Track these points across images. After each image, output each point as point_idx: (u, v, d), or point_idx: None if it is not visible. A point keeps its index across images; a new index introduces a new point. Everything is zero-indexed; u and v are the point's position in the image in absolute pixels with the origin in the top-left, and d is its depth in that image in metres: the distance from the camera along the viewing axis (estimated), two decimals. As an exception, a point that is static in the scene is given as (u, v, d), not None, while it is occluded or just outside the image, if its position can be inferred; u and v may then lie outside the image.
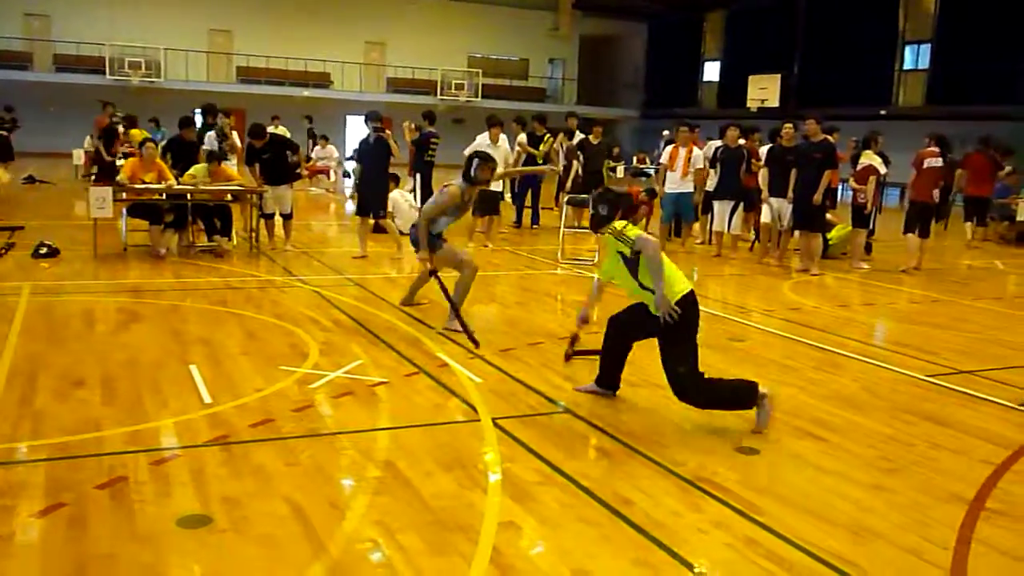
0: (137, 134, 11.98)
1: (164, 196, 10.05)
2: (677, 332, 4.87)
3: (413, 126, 14.30)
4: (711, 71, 38.61)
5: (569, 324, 7.52)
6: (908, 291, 10.00)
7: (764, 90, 31.19)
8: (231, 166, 11.64)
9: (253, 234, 10.86)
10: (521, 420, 4.90)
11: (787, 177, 10.90)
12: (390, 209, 11.77)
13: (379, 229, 11.45)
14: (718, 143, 12.40)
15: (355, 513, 3.64)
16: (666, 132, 12.46)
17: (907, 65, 30.31)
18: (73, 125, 24.96)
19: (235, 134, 13.38)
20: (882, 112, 28.11)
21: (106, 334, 6.55)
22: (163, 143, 12.31)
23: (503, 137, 12.87)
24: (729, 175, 11.80)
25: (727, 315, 8.09)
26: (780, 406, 5.26)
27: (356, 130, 29.82)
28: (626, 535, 3.53)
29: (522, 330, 7.15)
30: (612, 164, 21.84)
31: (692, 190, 12.14)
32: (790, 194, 10.87)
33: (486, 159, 7.06)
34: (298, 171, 12.07)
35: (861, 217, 11.69)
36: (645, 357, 6.54)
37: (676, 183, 11.95)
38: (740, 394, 4.90)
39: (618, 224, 5.01)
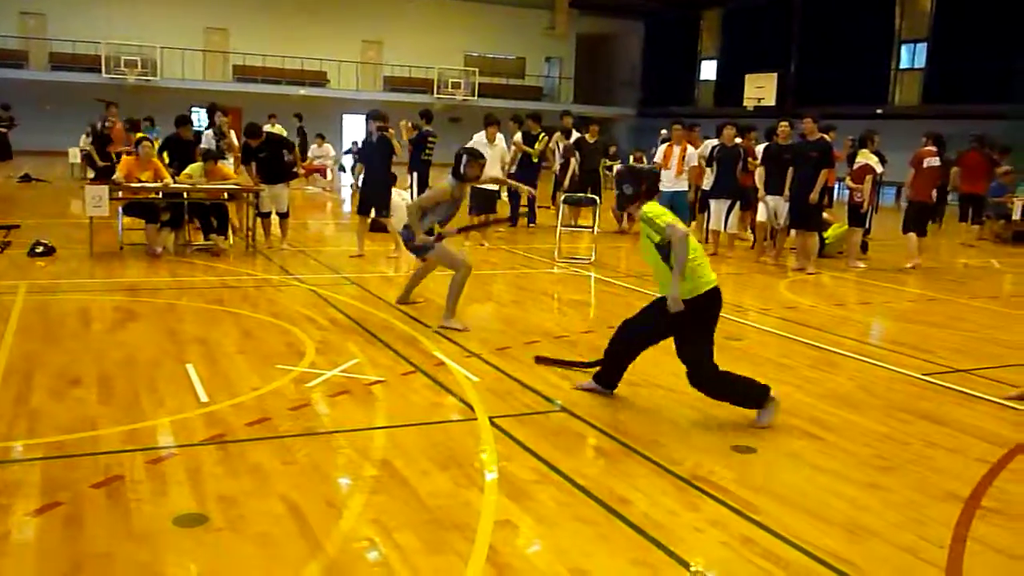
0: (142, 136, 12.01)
1: (160, 195, 10.03)
2: (696, 323, 4.89)
3: (410, 125, 14.29)
4: (708, 70, 38.65)
5: (566, 323, 7.53)
6: (904, 290, 10.01)
7: (761, 89, 31.23)
8: (228, 165, 11.63)
9: (250, 233, 10.85)
10: (518, 419, 4.90)
11: (783, 175, 10.91)
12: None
13: (377, 228, 11.44)
14: (714, 142, 12.41)
15: (352, 512, 3.64)
16: (664, 131, 12.48)
17: (903, 64, 30.37)
18: (69, 123, 24.94)
19: (232, 133, 13.37)
20: (878, 111, 28.16)
21: (102, 333, 6.55)
22: (159, 142, 12.30)
23: (500, 136, 12.87)
24: (725, 174, 11.81)
25: (724, 314, 8.04)
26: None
27: (352, 129, 29.86)
28: (623, 534, 3.54)
29: (519, 329, 7.15)
30: (609, 163, 21.84)
31: (687, 188, 12.17)
32: (786, 192, 10.88)
33: (475, 155, 7.08)
34: (295, 170, 12.05)
35: (857, 216, 11.70)
36: (641, 357, 6.55)
37: (671, 181, 11.99)
38: (751, 392, 4.92)
39: (648, 209, 4.93)
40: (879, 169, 12.27)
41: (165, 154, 11.14)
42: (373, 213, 10.97)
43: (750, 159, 11.98)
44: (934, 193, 11.53)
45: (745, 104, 31.21)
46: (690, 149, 12.14)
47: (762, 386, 4.93)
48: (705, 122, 14.92)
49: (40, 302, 7.43)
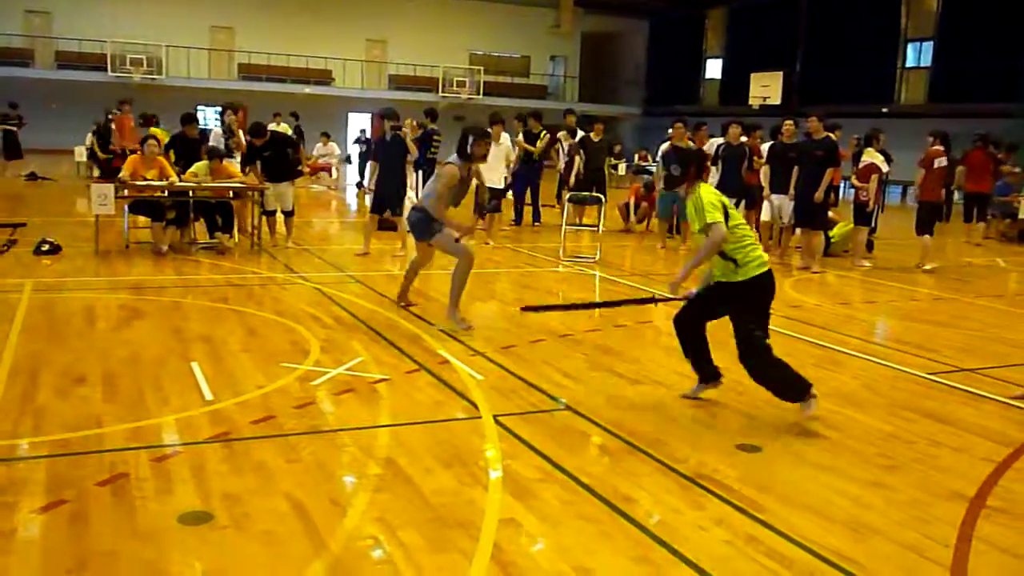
0: (161, 134, 11.96)
1: (166, 193, 10.05)
2: (748, 305, 4.93)
3: (415, 123, 14.29)
4: (713, 68, 38.59)
5: (570, 321, 7.53)
6: (909, 289, 9.99)
7: (766, 87, 31.19)
8: (234, 164, 11.64)
9: (255, 231, 10.87)
10: (522, 417, 4.90)
11: (788, 174, 10.91)
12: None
13: (384, 227, 11.44)
14: (720, 140, 12.40)
15: (356, 510, 3.64)
16: (670, 130, 12.47)
17: (909, 63, 30.30)
18: (75, 122, 24.97)
19: (241, 132, 13.38)
20: (884, 110, 28.11)
21: (108, 331, 6.56)
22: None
23: (504, 135, 12.87)
24: (730, 173, 11.79)
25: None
26: (780, 403, 5.27)
27: (358, 127, 29.84)
28: (627, 532, 3.54)
29: (523, 327, 7.15)
30: (614, 162, 21.84)
31: None
32: (791, 191, 10.88)
33: (481, 134, 7.04)
34: (299, 168, 12.06)
35: (863, 215, 11.67)
36: (646, 355, 6.56)
37: None
38: (794, 385, 4.90)
39: (705, 195, 4.89)
40: (885, 168, 12.23)
41: (172, 153, 11.16)
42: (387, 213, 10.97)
43: (755, 158, 11.97)
44: (943, 193, 11.50)
45: (750, 103, 31.18)
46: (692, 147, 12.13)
47: (806, 382, 4.93)
48: (710, 121, 14.87)
49: (46, 300, 7.45)
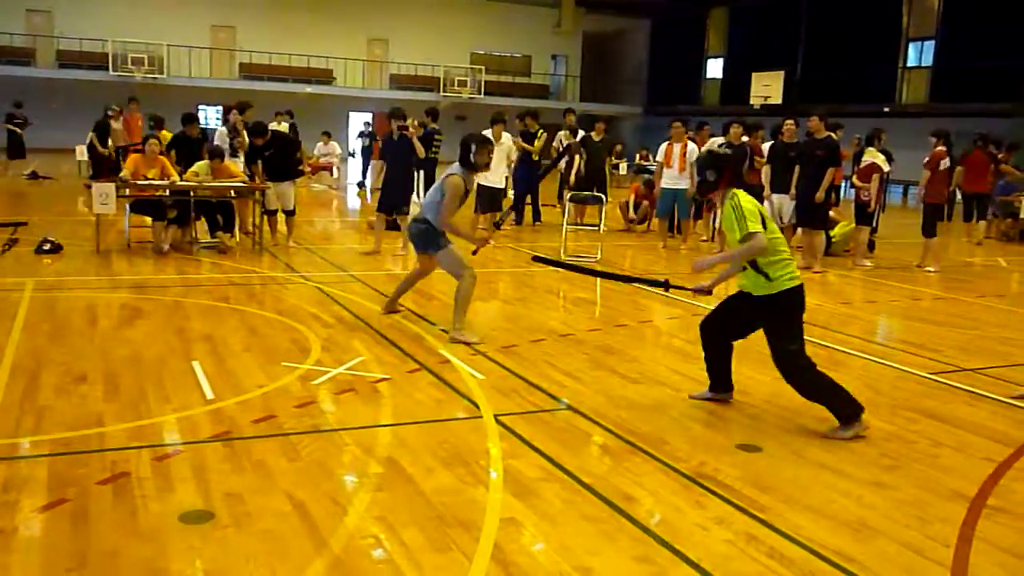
0: (168, 136, 11.99)
1: (168, 192, 10.06)
2: (781, 318, 4.86)
3: (416, 123, 14.28)
4: (714, 68, 38.58)
5: (572, 321, 7.53)
6: (911, 288, 9.99)
7: (767, 87, 31.15)
8: (239, 163, 11.64)
9: (256, 231, 10.87)
10: (523, 416, 4.90)
11: (789, 173, 10.91)
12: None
13: (388, 226, 11.43)
14: (720, 140, 12.39)
15: (357, 509, 3.64)
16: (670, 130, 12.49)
17: (910, 62, 30.28)
18: (76, 121, 24.96)
19: (246, 132, 13.35)
20: (885, 109, 28.10)
21: (109, 330, 6.56)
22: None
23: (506, 135, 12.87)
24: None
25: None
26: (782, 403, 5.28)
27: (359, 127, 29.84)
28: (628, 532, 3.54)
29: (524, 327, 7.15)
30: (615, 161, 21.83)
31: (688, 185, 12.15)
32: (792, 190, 10.88)
33: (484, 142, 6.78)
34: (300, 167, 12.06)
35: (864, 214, 11.67)
36: (647, 355, 6.57)
37: (673, 179, 12.06)
38: (844, 403, 4.80)
39: (745, 202, 4.79)
40: (886, 167, 12.24)
41: (173, 152, 11.16)
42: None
43: (757, 157, 11.96)
44: (947, 193, 11.51)
45: (751, 102, 31.15)
46: (691, 146, 12.14)
47: (858, 405, 4.80)
48: (712, 120, 14.89)
49: (47, 299, 7.45)
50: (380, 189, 10.87)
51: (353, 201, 19.37)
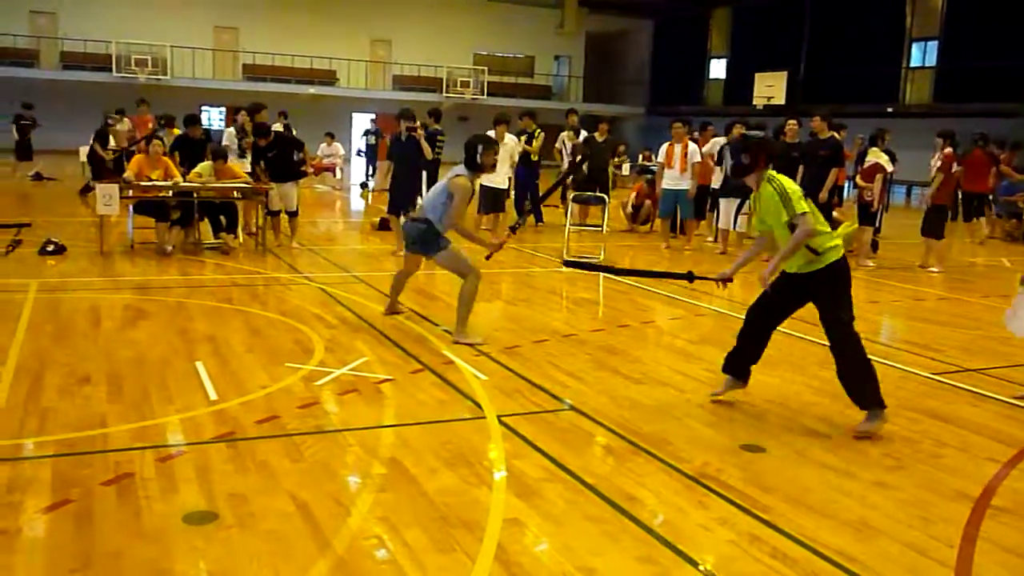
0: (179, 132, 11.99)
1: (171, 194, 10.07)
2: (835, 290, 4.91)
3: (419, 124, 14.27)
4: (717, 68, 38.56)
5: (575, 321, 7.53)
6: (914, 289, 9.98)
7: (770, 87, 31.13)
8: (247, 164, 11.64)
9: (259, 231, 10.88)
10: (526, 417, 4.91)
11: (790, 173, 10.87)
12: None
13: (383, 226, 11.45)
14: (723, 140, 12.39)
15: (360, 510, 3.64)
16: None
17: (914, 62, 30.24)
18: (80, 123, 25.00)
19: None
20: (889, 109, 28.06)
21: (112, 331, 6.57)
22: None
23: (509, 135, 12.87)
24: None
25: (732, 312, 8.09)
26: (785, 403, 5.28)
27: (362, 128, 29.87)
28: (631, 532, 3.54)
29: (527, 327, 7.15)
30: (618, 162, 21.81)
31: (689, 186, 12.15)
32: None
33: (490, 143, 6.74)
34: (303, 168, 12.06)
35: (867, 215, 11.66)
36: (649, 355, 6.57)
37: (675, 179, 12.06)
38: (873, 388, 4.83)
39: (789, 185, 4.83)
40: (889, 168, 12.22)
41: (176, 153, 11.17)
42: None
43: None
44: (955, 194, 11.55)
45: (754, 103, 31.12)
46: (692, 146, 12.14)
47: (882, 399, 4.84)
48: (715, 121, 14.89)
49: (51, 300, 7.47)
50: (388, 190, 10.87)
51: (356, 202, 19.38)
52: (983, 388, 5.87)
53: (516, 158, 13.25)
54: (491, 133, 12.47)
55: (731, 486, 4.02)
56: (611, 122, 16.00)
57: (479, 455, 4.30)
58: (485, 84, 36.97)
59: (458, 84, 36.48)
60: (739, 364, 5.27)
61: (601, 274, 10.05)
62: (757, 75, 31.93)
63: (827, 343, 4.99)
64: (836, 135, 11.05)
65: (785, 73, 30.98)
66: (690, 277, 5.56)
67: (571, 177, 12.29)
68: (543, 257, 11.27)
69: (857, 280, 10.37)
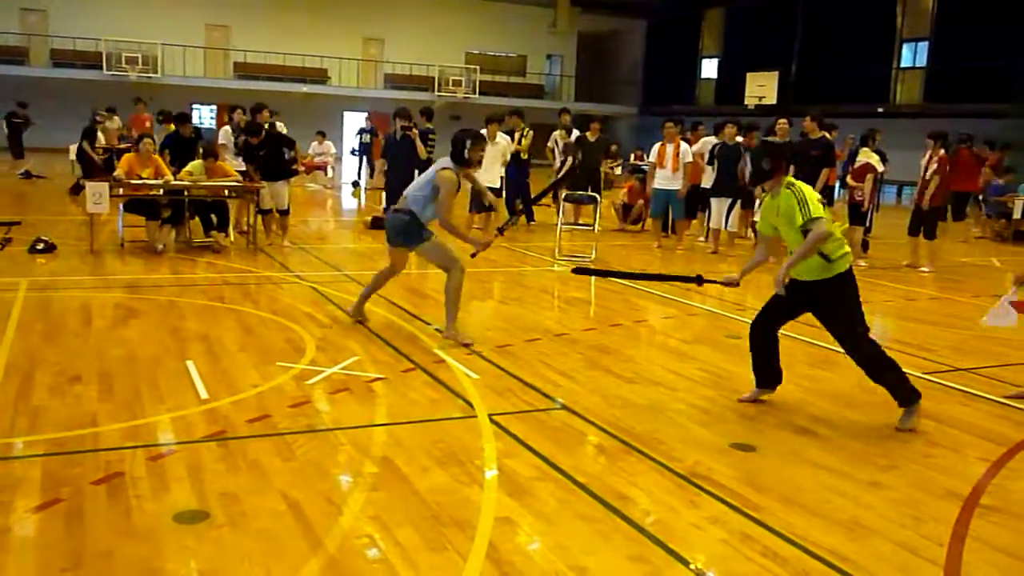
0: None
1: (161, 192, 10.04)
2: (844, 300, 4.94)
3: (413, 123, 14.27)
4: (709, 68, 38.60)
5: (566, 320, 7.53)
6: (905, 288, 10.01)
7: (762, 87, 31.20)
8: (237, 162, 11.62)
9: (250, 230, 10.86)
10: (518, 416, 4.91)
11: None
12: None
13: (376, 225, 11.44)
14: (713, 139, 12.42)
15: (352, 509, 3.64)
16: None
17: (905, 63, 30.33)
18: (70, 121, 24.91)
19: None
20: (880, 110, 28.14)
21: (103, 330, 6.55)
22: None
23: (502, 134, 12.87)
24: (726, 172, 11.81)
25: (724, 312, 8.11)
26: (777, 403, 5.29)
27: (354, 126, 29.83)
28: (623, 531, 3.54)
29: (519, 326, 7.15)
30: (611, 163, 21.84)
31: (680, 186, 12.16)
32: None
33: (478, 138, 6.60)
34: (294, 167, 12.04)
35: (858, 215, 11.69)
36: (641, 354, 6.57)
37: (666, 179, 12.08)
38: (906, 386, 4.94)
39: (808, 191, 4.87)
40: (880, 168, 12.26)
41: (167, 152, 11.14)
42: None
43: (752, 157, 11.96)
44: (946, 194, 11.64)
45: (746, 102, 31.18)
46: (684, 146, 12.16)
47: (916, 389, 4.95)
48: (706, 121, 14.91)
49: (41, 299, 7.44)
50: (384, 188, 10.86)
51: (348, 200, 19.35)
52: (974, 388, 5.90)
53: (508, 157, 13.25)
54: (483, 132, 12.49)
55: (723, 485, 4.02)
56: (603, 121, 16.02)
57: (471, 454, 4.30)
58: (477, 83, 36.95)
59: (450, 83, 36.44)
60: (764, 373, 5.30)
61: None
62: (749, 75, 32.00)
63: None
64: (827, 135, 11.07)
65: (776, 73, 31.06)
66: (699, 280, 5.59)
67: (562, 183, 12.28)
68: (535, 256, 11.27)
69: (848, 280, 10.46)
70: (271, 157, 10.89)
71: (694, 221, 13.40)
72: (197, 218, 10.68)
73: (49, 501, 3.55)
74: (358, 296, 7.12)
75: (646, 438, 4.62)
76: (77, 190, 14.87)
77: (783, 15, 32.41)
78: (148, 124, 18.23)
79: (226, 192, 10.44)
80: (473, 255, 6.91)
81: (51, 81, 30.57)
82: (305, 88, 33.75)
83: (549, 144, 14.79)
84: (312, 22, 34.94)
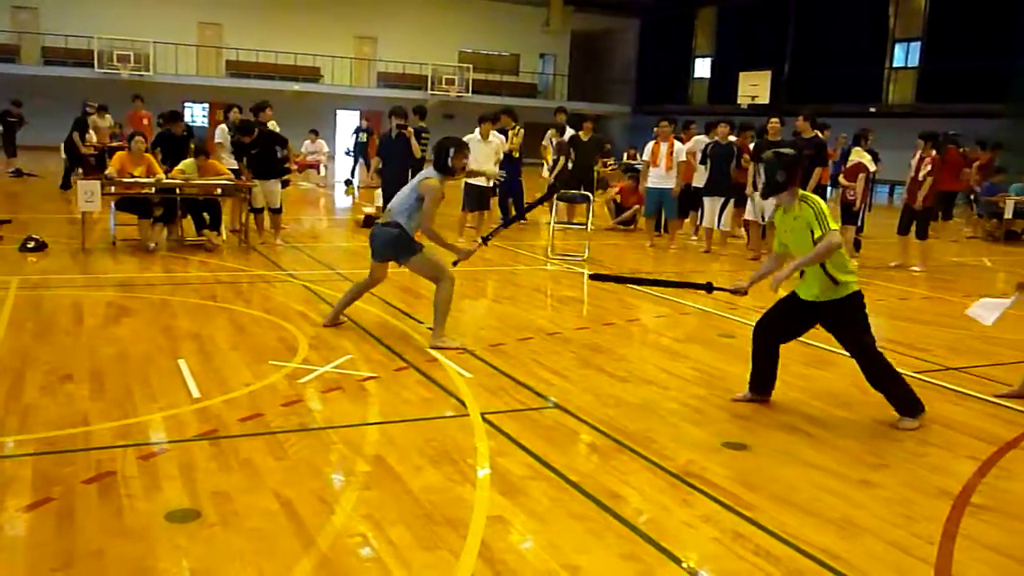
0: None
1: (154, 190, 10.01)
2: (852, 318, 4.98)
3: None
4: (702, 67, 38.66)
5: (559, 319, 7.54)
6: (897, 288, 10.04)
7: (755, 87, 31.22)
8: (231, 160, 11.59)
9: (243, 228, 10.84)
10: (510, 415, 4.91)
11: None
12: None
13: (368, 223, 11.40)
14: (705, 139, 12.44)
15: (344, 507, 3.63)
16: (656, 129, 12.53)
17: (897, 62, 30.43)
18: (61, 119, 24.70)
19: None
20: (872, 109, 28.22)
21: (95, 328, 6.53)
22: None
23: (495, 133, 12.86)
24: (719, 171, 11.83)
25: (716, 311, 8.11)
26: (770, 402, 5.30)
27: (346, 125, 29.82)
28: (615, 530, 3.54)
29: (512, 325, 7.15)
30: (607, 163, 21.83)
31: (673, 185, 12.17)
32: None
33: (461, 145, 6.57)
34: (287, 166, 12.02)
35: (850, 214, 11.73)
36: (634, 353, 6.58)
37: (659, 178, 12.09)
38: (910, 398, 5.01)
39: (822, 204, 4.88)
40: (872, 167, 12.31)
41: (159, 150, 11.11)
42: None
43: (745, 156, 11.98)
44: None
45: (739, 102, 31.21)
46: (677, 145, 12.18)
47: (919, 400, 5.02)
48: (699, 120, 14.93)
49: (32, 297, 7.41)
50: (380, 187, 10.84)
51: (341, 199, 19.32)
52: (966, 387, 5.92)
53: (501, 156, 13.24)
54: (477, 130, 12.48)
55: (715, 484, 4.03)
56: (596, 121, 16.03)
57: (463, 453, 4.30)
58: (470, 82, 36.92)
59: (443, 82, 36.41)
60: (761, 381, 5.31)
61: (586, 272, 10.08)
62: (742, 74, 32.03)
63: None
64: (819, 134, 11.09)
65: (769, 72, 31.08)
66: (709, 288, 5.56)
67: (554, 195, 12.24)
68: (528, 255, 11.27)
69: (840, 279, 10.49)
70: (263, 156, 10.87)
71: (686, 220, 13.41)
72: (189, 216, 10.66)
73: (40, 500, 3.54)
74: (334, 305, 7.03)
75: (639, 437, 4.62)
76: (67, 184, 14.81)
77: (776, 14, 32.45)
78: (146, 122, 18.17)
79: (218, 191, 10.41)
80: (455, 263, 6.77)
81: (42, 79, 30.41)
82: (297, 86, 33.68)
83: (544, 143, 14.78)
84: (305, 20, 34.87)
